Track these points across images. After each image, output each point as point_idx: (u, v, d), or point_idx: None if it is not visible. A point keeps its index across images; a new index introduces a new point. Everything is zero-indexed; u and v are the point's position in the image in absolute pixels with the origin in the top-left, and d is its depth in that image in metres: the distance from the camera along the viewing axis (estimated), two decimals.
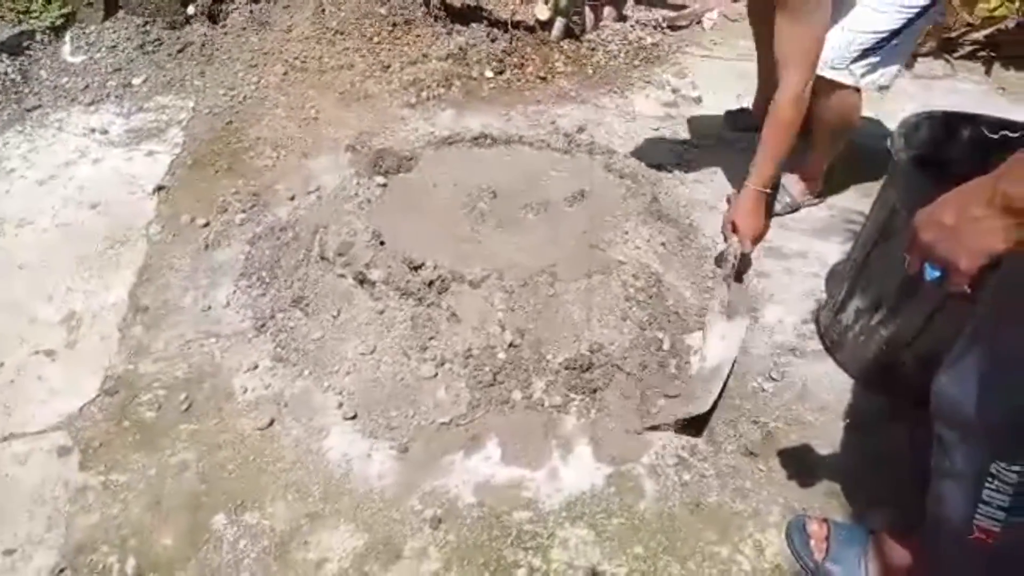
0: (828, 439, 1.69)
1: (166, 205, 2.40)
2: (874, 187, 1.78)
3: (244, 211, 2.35)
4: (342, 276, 1.88)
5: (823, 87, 1.97)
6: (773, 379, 1.82)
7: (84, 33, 3.20)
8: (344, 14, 3.24)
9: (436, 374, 1.74)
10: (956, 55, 3.36)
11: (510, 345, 1.74)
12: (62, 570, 1.44)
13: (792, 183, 2.36)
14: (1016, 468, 0.99)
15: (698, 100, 3.06)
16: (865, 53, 1.99)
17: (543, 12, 3.31)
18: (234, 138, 2.73)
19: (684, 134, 2.83)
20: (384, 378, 1.75)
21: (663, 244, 2.02)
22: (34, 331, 1.96)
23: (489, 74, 3.11)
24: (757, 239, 1.97)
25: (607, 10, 3.25)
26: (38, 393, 1.80)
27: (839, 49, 1.97)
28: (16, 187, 2.48)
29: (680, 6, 3.72)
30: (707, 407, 1.65)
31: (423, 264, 1.79)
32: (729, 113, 2.84)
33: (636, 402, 1.72)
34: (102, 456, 1.65)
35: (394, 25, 3.25)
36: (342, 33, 3.20)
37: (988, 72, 3.30)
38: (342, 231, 1.95)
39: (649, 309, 1.83)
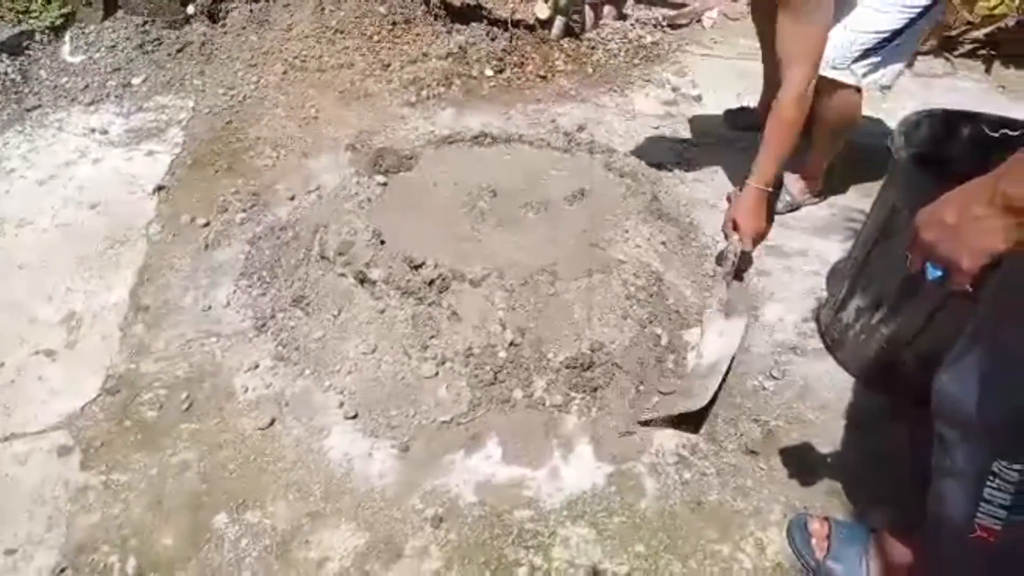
0: (829, 438, 1.69)
1: (166, 205, 2.40)
2: (874, 185, 1.78)
3: (244, 211, 2.35)
4: (342, 275, 1.88)
5: (824, 86, 1.97)
6: (774, 377, 1.82)
7: (84, 33, 3.20)
8: (344, 13, 3.24)
9: (437, 373, 1.74)
10: (956, 53, 3.36)
11: (511, 344, 1.74)
12: (63, 570, 1.44)
13: (792, 182, 2.36)
14: (1018, 467, 0.99)
15: (698, 99, 3.06)
16: (867, 53, 1.98)
17: (543, 11, 3.31)
18: (234, 138, 2.73)
19: (684, 133, 2.83)
20: (385, 377, 1.75)
21: (663, 243, 2.02)
22: (34, 331, 1.96)
23: (489, 73, 3.11)
24: (758, 238, 1.98)
25: (607, 9, 3.25)
26: (39, 393, 1.79)
27: (841, 49, 1.97)
28: (16, 187, 2.48)
29: (680, 4, 3.73)
30: (703, 403, 1.65)
31: (423, 263, 1.79)
32: (729, 112, 2.84)
33: (631, 397, 1.72)
34: (103, 456, 1.65)
35: (394, 24, 3.25)
36: (342, 32, 3.20)
37: (988, 70, 3.30)
38: (342, 230, 1.95)
39: (650, 308, 1.83)
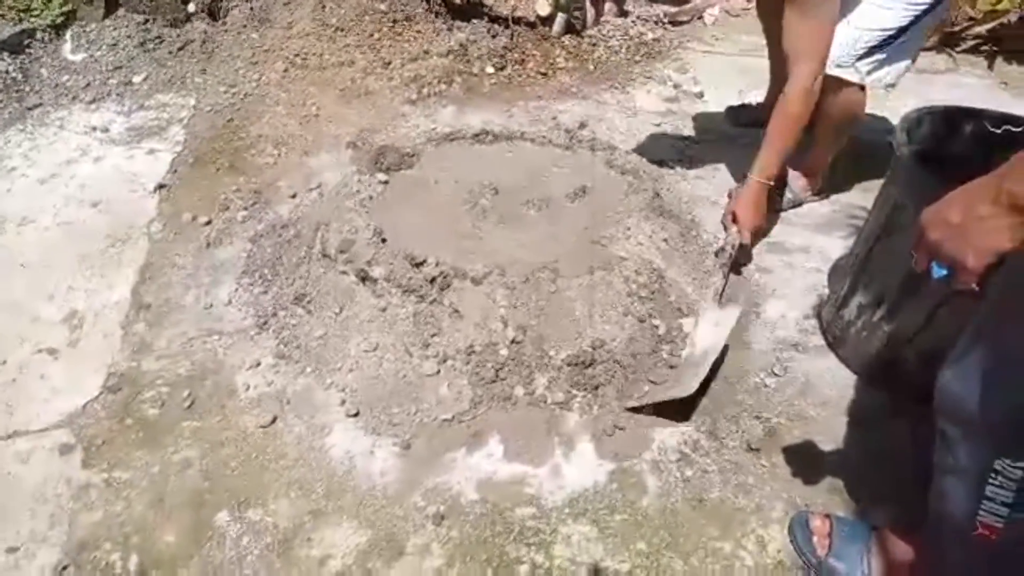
0: (831, 435, 1.69)
1: (168, 203, 2.40)
2: (876, 182, 1.77)
3: (246, 209, 2.35)
4: (344, 273, 1.88)
5: (828, 84, 1.96)
6: (775, 374, 1.82)
7: (85, 31, 3.20)
8: (344, 11, 3.24)
9: (438, 371, 1.74)
10: (958, 49, 3.35)
11: (512, 341, 1.74)
12: (65, 567, 1.44)
13: (794, 179, 2.35)
14: (1020, 465, 0.98)
15: (700, 96, 3.05)
16: (871, 51, 1.97)
17: (544, 8, 3.30)
18: (235, 136, 2.73)
19: (686, 130, 2.82)
20: (386, 375, 1.75)
21: (665, 240, 2.02)
22: (36, 329, 1.96)
23: (490, 70, 3.11)
24: (757, 231, 1.97)
25: (608, 5, 3.26)
26: (40, 391, 1.80)
27: (845, 46, 1.95)
28: (17, 186, 2.48)
29: (682, 1, 3.71)
30: (691, 391, 1.64)
31: (425, 261, 1.79)
32: (731, 108, 2.83)
33: (620, 386, 1.72)
34: (105, 454, 1.65)
35: (394, 21, 3.25)
36: (342, 30, 3.19)
37: (991, 66, 3.29)
38: (344, 228, 1.95)
39: (651, 305, 1.83)
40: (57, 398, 1.78)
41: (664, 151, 2.63)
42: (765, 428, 1.69)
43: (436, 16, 3.32)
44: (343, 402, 1.73)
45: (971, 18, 3.29)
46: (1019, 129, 1.59)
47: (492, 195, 2.09)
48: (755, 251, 2.17)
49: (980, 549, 1.08)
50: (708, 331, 1.79)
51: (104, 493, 1.57)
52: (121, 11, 3.26)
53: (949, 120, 1.69)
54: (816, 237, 2.27)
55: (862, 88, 2.06)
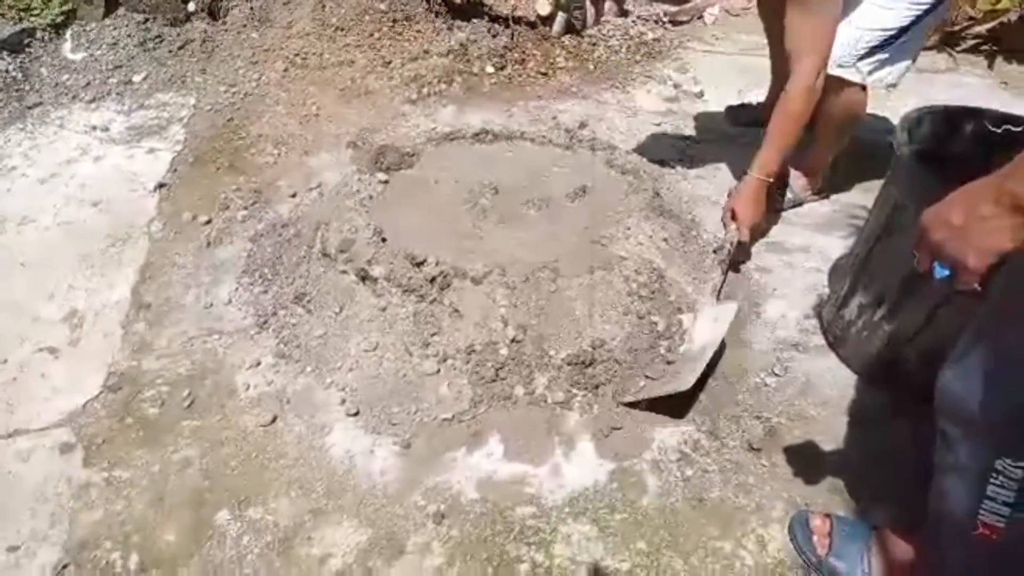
0: (831, 434, 1.69)
1: (168, 202, 2.40)
2: (877, 182, 1.77)
3: (246, 208, 2.35)
4: (344, 273, 1.88)
5: (830, 84, 1.95)
6: (776, 374, 1.82)
7: (85, 30, 3.20)
8: (344, 10, 3.24)
9: (438, 370, 1.74)
10: (959, 49, 3.35)
11: (512, 341, 1.74)
12: (65, 566, 1.44)
13: (795, 179, 2.35)
14: (1021, 464, 0.98)
15: (700, 95, 3.05)
16: (873, 50, 1.96)
17: (544, 7, 3.30)
18: (235, 135, 2.72)
19: (686, 129, 2.82)
20: (386, 374, 1.75)
21: (665, 240, 2.02)
22: (36, 329, 1.96)
23: (490, 70, 3.11)
24: (756, 229, 1.97)
25: (608, 5, 3.26)
26: (41, 390, 1.80)
27: (846, 46, 1.95)
28: (17, 185, 2.48)
29: (682, 0, 3.71)
30: (688, 386, 1.64)
31: (425, 260, 1.79)
32: (731, 108, 2.82)
33: (616, 382, 1.72)
34: (105, 453, 1.65)
35: (394, 21, 3.25)
36: (342, 29, 3.19)
37: (991, 66, 3.29)
38: (344, 228, 1.95)
39: (651, 304, 1.83)
40: (57, 397, 1.78)
41: (664, 151, 2.63)
42: (765, 428, 1.69)
43: (436, 16, 3.32)
44: (343, 401, 1.73)
45: (971, 18, 3.29)
46: (1019, 129, 1.59)
47: (492, 195, 2.09)
48: (755, 251, 2.17)
49: (981, 549, 1.08)
50: (706, 327, 1.79)
51: (104, 492, 1.57)
52: (121, 10, 3.26)
53: (950, 120, 1.69)
54: (816, 237, 2.27)
55: (863, 88, 2.06)
